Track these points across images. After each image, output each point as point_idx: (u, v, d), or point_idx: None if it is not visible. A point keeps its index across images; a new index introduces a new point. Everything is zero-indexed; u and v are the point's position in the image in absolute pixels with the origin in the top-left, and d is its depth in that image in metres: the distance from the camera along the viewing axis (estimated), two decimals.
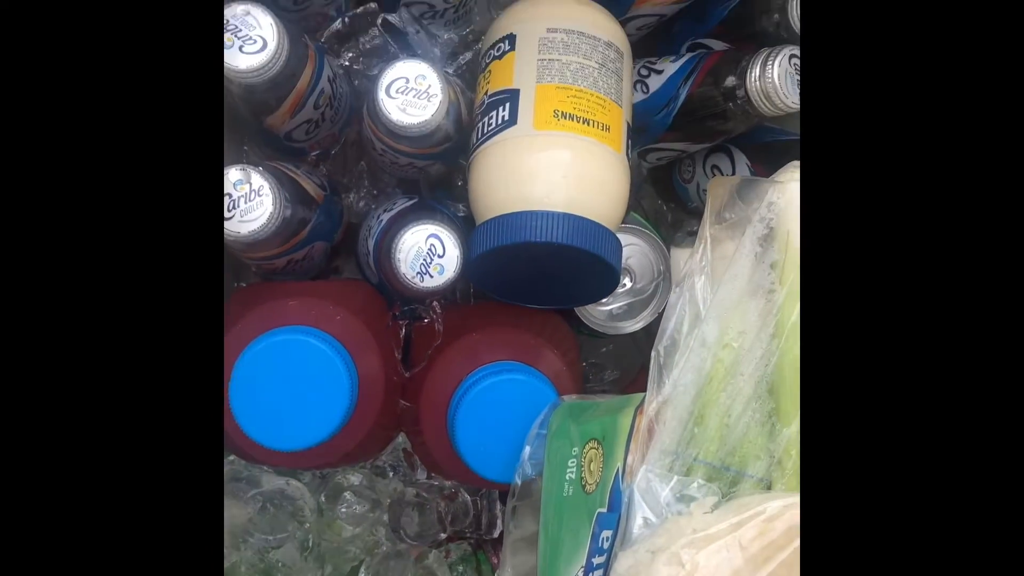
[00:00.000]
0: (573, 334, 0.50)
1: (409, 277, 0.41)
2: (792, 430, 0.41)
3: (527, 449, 0.41)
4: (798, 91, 0.44)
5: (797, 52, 0.43)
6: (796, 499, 0.38)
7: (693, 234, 0.47)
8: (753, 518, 0.38)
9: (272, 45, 0.38)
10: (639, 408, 0.42)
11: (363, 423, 0.42)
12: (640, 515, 0.40)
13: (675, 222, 0.59)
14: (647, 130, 0.50)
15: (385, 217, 0.47)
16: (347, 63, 0.50)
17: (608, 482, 0.40)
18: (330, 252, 0.50)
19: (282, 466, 0.46)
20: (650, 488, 0.41)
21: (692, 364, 0.43)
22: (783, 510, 0.38)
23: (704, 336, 0.43)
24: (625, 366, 0.58)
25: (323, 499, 0.48)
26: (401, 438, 0.49)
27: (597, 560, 0.40)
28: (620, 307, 0.51)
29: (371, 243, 0.47)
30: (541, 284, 0.45)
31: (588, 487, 0.40)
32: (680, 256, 0.52)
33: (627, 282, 0.50)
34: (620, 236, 0.48)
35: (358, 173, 0.51)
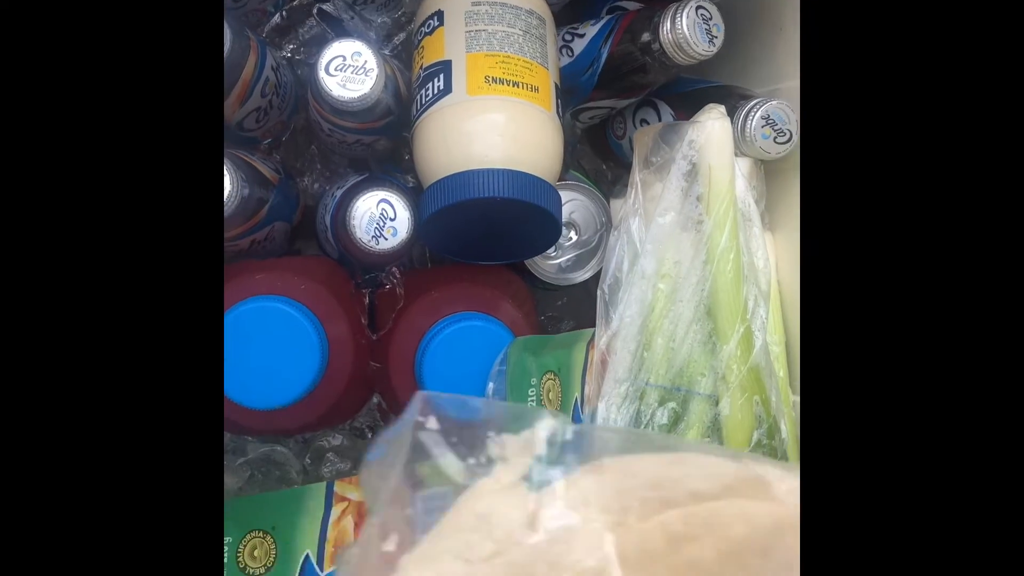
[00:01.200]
0: (527, 288, 0.54)
1: (365, 241, 0.44)
2: (731, 347, 0.45)
3: (491, 385, 0.44)
4: (708, 39, 0.47)
5: (704, 3, 0.47)
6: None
7: None
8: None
9: None
10: (590, 343, 0.46)
11: (336, 383, 0.45)
12: None
13: (615, 179, 0.63)
14: (576, 91, 0.53)
15: (338, 193, 0.50)
16: (289, 54, 0.53)
17: (569, 409, 0.44)
18: (291, 234, 0.53)
19: (265, 432, 0.48)
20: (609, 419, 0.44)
21: (635, 297, 0.46)
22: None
23: (643, 269, 0.46)
24: (580, 317, 0.61)
25: (308, 461, 0.51)
26: (376, 399, 0.52)
27: None
28: (568, 260, 0.54)
29: (328, 219, 0.50)
30: (490, 241, 0.48)
31: None
32: (620, 207, 0.56)
33: (572, 235, 0.54)
34: (562, 192, 0.51)
35: (310, 157, 0.54)
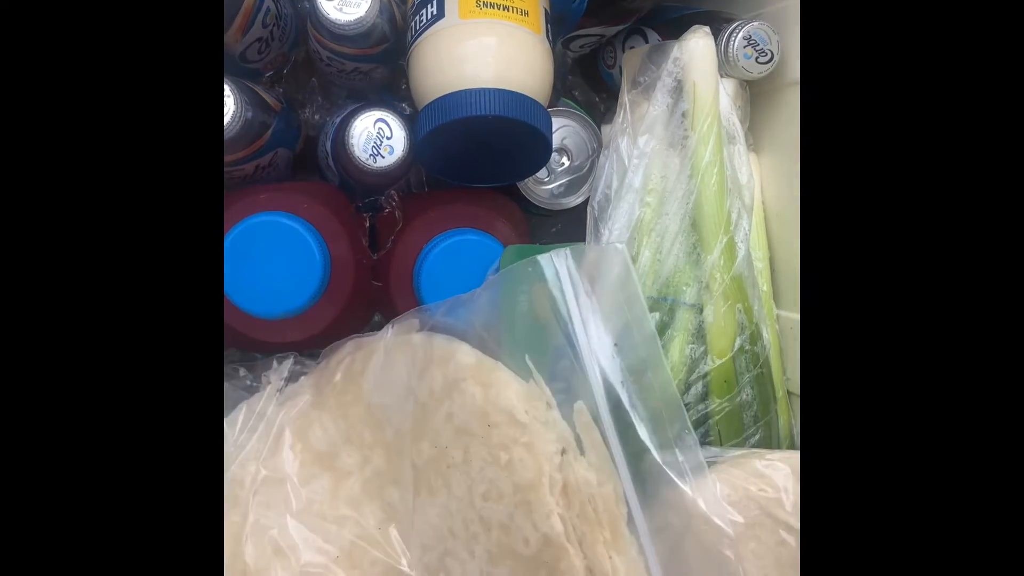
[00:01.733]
0: (521, 212, 0.56)
1: (363, 160, 0.46)
2: (714, 256, 0.47)
3: None
4: None
5: None
6: None
7: None
8: None
9: None
10: None
11: (339, 296, 0.47)
12: None
13: (606, 110, 0.64)
14: (567, 18, 0.54)
15: (338, 120, 0.52)
16: None
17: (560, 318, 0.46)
18: (293, 163, 0.55)
19: (271, 346, 0.51)
20: None
21: (623, 211, 0.48)
22: None
23: (631, 183, 0.48)
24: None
25: None
26: (378, 318, 0.55)
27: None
28: (560, 185, 0.56)
29: (328, 144, 0.52)
30: (484, 162, 0.50)
31: None
32: (610, 131, 0.58)
33: (565, 161, 0.55)
34: (554, 119, 0.53)
35: (310, 89, 0.56)
